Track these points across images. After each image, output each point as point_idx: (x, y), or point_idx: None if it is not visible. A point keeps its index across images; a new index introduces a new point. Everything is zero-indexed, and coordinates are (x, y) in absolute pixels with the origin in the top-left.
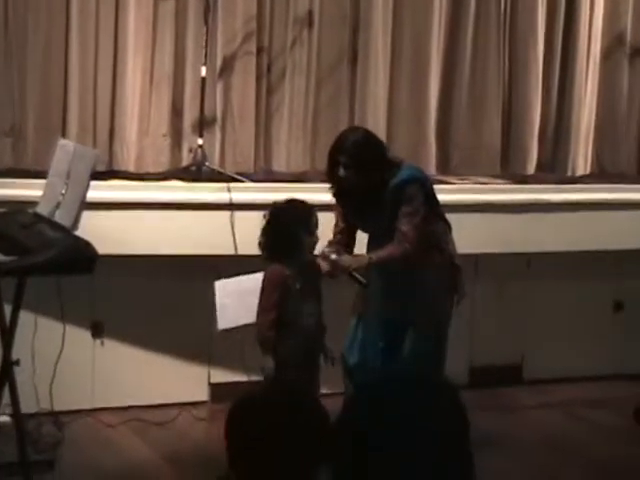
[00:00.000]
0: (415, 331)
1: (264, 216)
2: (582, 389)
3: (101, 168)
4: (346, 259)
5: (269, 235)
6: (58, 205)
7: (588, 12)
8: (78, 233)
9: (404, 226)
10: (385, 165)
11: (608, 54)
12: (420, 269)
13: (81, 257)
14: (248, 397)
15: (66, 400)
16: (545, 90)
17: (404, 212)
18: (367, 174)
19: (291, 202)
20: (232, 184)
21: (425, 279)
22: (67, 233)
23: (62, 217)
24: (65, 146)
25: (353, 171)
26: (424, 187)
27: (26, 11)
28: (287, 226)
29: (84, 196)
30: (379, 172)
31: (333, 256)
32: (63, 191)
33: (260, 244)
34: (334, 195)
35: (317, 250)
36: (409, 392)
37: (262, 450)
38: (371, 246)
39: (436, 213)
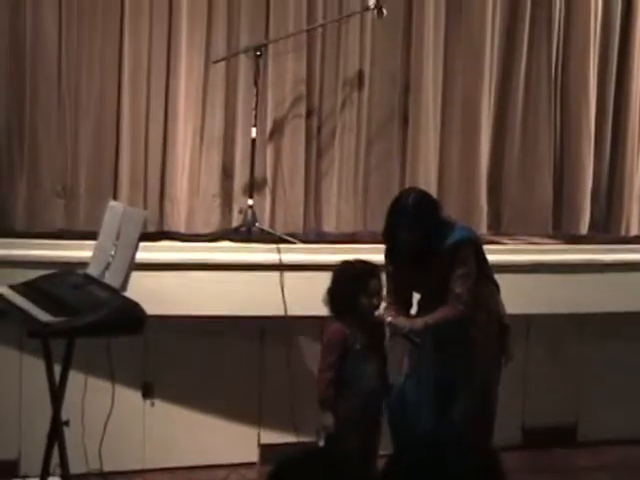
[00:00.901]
0: (464, 391)
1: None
2: (635, 452)
3: (151, 229)
4: (402, 321)
5: (330, 294)
6: (108, 266)
7: None
8: (128, 294)
9: (458, 288)
10: (441, 226)
11: None
12: (469, 329)
13: (130, 318)
14: (288, 459)
15: (116, 461)
16: (597, 149)
17: (458, 274)
18: (424, 235)
19: (353, 262)
20: (282, 245)
21: (474, 340)
22: (116, 294)
23: (111, 278)
24: (115, 207)
25: (411, 232)
26: (476, 248)
27: (79, 71)
28: (345, 286)
29: (133, 257)
30: (435, 233)
31: (389, 318)
32: (112, 252)
33: (325, 302)
34: (389, 256)
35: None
36: (450, 456)
37: None
38: (422, 306)
39: (486, 274)
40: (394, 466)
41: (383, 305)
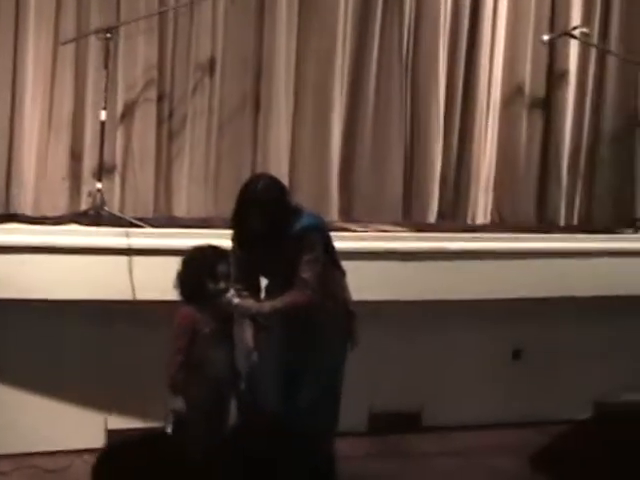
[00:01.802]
0: (310, 376)
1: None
2: (481, 436)
3: None
4: (249, 304)
5: (179, 279)
6: None
7: (488, 62)
8: None
9: (305, 274)
10: (289, 212)
11: (507, 103)
12: (316, 315)
13: None
14: (117, 444)
15: None
16: (446, 140)
17: (305, 260)
18: (272, 220)
19: (201, 247)
20: (131, 229)
21: (320, 325)
22: None
23: None
24: None
25: (259, 217)
26: (324, 235)
27: None
28: (192, 271)
29: None
30: (283, 219)
31: (236, 300)
32: None
33: (174, 287)
34: (238, 240)
35: None
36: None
37: None
38: (270, 290)
39: (333, 260)
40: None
41: (232, 290)
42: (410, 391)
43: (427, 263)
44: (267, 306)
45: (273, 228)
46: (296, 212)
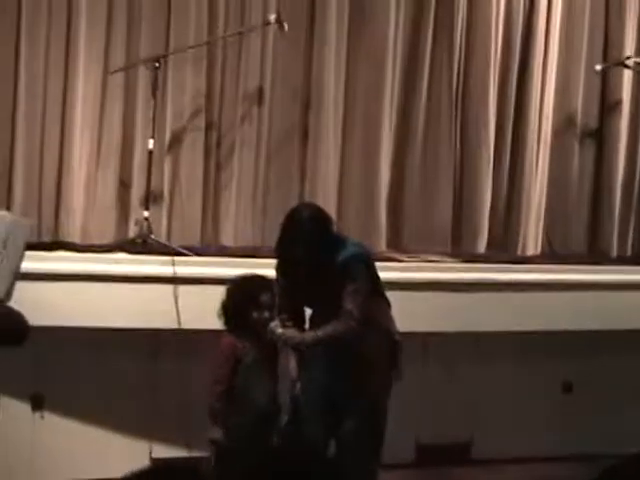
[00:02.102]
0: (354, 408)
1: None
2: (530, 470)
3: (46, 239)
4: (292, 333)
5: (223, 308)
6: None
7: (539, 92)
8: (24, 304)
9: (349, 304)
10: (333, 241)
11: (559, 134)
12: (360, 346)
13: (12, 328)
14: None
15: (3, 477)
16: (496, 169)
17: (349, 290)
18: (316, 250)
19: (245, 277)
20: (177, 258)
21: (365, 356)
22: (0, 304)
23: None
24: (2, 217)
25: (303, 247)
26: (368, 265)
27: None
28: (236, 300)
29: (18, 266)
30: (328, 248)
31: (280, 330)
32: None
33: (218, 316)
34: (282, 270)
35: None
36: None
37: None
38: (314, 321)
39: (377, 290)
40: None
41: (276, 320)
42: (459, 423)
43: (476, 294)
44: (310, 336)
45: (316, 258)
46: (340, 242)
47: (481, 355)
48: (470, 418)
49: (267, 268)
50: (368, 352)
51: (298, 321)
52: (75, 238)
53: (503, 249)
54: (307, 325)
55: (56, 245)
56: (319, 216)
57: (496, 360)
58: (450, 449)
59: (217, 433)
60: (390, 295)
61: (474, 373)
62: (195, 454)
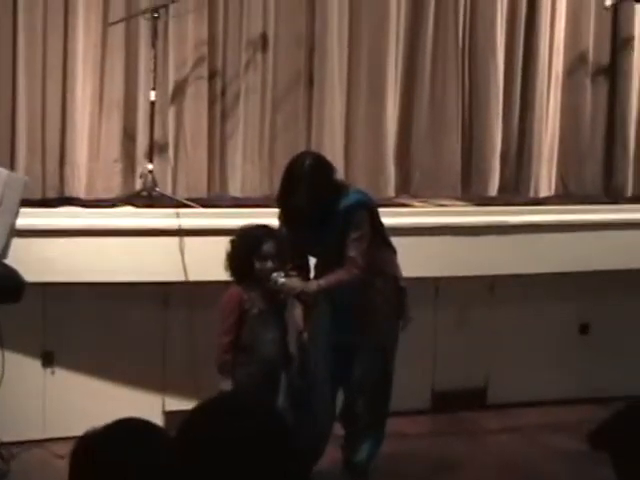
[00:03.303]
0: (362, 354)
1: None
2: (546, 413)
3: (51, 194)
4: (295, 283)
5: (228, 259)
6: None
7: (549, 30)
8: (29, 260)
9: (352, 252)
10: (335, 190)
11: (570, 72)
12: (365, 293)
13: (7, 286)
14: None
15: (15, 430)
16: (506, 109)
17: (352, 238)
18: (318, 199)
19: (247, 227)
20: (183, 210)
21: (370, 303)
22: None
23: None
24: None
25: (305, 195)
26: (371, 212)
27: None
28: (240, 250)
29: (13, 223)
30: (328, 197)
31: (281, 280)
32: None
33: (225, 268)
34: (284, 219)
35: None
36: None
37: None
38: (319, 270)
39: (381, 237)
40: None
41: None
42: (474, 369)
43: (488, 237)
44: (312, 285)
45: (318, 206)
46: (342, 189)
47: (495, 299)
48: (485, 363)
49: (275, 218)
50: (374, 299)
51: (302, 271)
52: (80, 193)
53: (515, 192)
54: (312, 275)
55: (61, 201)
56: (320, 164)
57: (510, 303)
58: (465, 395)
59: (227, 385)
60: (400, 241)
61: (488, 317)
62: None
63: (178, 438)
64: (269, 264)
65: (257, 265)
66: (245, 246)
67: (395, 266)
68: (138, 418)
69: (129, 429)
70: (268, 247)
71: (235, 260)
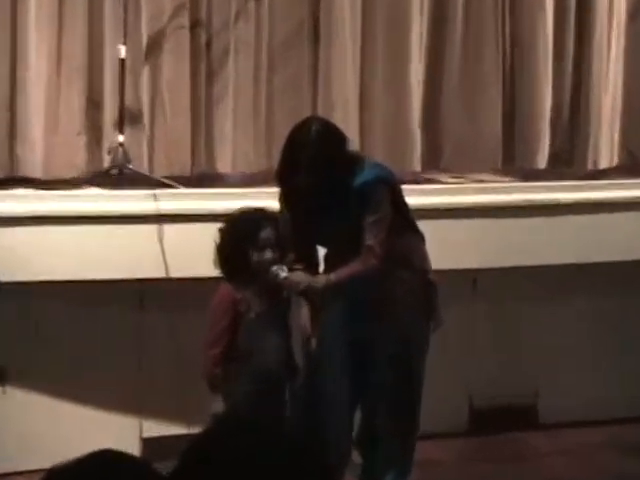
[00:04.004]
0: (382, 366)
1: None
2: (608, 433)
3: (1, 174)
4: (299, 277)
5: (218, 251)
6: None
7: None
8: None
9: (369, 239)
10: (347, 163)
11: (635, 17)
12: (387, 289)
13: None
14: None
15: None
16: (557, 64)
17: (369, 222)
18: (327, 174)
19: (241, 211)
20: (160, 191)
21: (394, 301)
22: None
23: None
24: None
25: (311, 171)
26: (392, 190)
27: None
28: (232, 240)
29: None
30: (340, 172)
31: (283, 274)
32: None
33: (214, 262)
34: (285, 200)
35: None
36: None
37: None
38: (329, 262)
39: (405, 220)
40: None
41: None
42: (521, 380)
43: (536, 220)
44: (321, 280)
45: (327, 184)
46: (356, 162)
47: (545, 294)
48: (534, 374)
49: (273, 199)
50: (393, 289)
51: (309, 263)
52: (36, 172)
53: (569, 163)
54: (322, 268)
55: (12, 181)
56: (329, 132)
57: (564, 300)
58: (511, 412)
59: (219, 406)
60: (428, 225)
61: (536, 317)
62: (194, 430)
63: None
64: (268, 255)
65: (253, 257)
66: (238, 234)
67: (422, 256)
68: (114, 450)
69: (104, 465)
70: (266, 234)
71: (226, 251)
